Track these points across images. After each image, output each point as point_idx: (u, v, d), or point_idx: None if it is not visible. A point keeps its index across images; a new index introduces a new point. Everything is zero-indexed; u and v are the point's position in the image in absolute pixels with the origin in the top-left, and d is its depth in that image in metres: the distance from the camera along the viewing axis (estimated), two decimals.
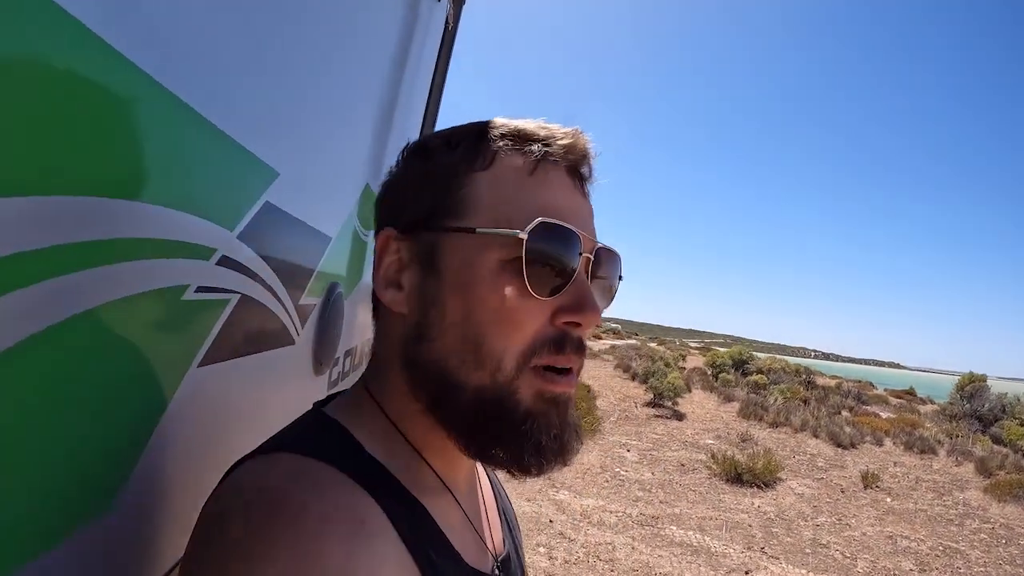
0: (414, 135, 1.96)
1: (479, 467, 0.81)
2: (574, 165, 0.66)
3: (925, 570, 6.58)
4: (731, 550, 6.21)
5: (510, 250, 0.58)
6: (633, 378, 16.34)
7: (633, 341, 52.44)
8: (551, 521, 6.33)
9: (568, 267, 0.60)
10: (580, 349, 0.62)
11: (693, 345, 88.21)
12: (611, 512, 6.86)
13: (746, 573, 5.70)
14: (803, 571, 5.95)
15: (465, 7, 2.29)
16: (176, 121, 0.54)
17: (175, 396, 0.61)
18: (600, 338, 49.50)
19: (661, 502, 7.47)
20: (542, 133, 0.64)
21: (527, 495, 7.05)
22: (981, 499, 9.29)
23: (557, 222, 0.59)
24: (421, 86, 2.01)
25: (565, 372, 0.61)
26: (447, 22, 2.16)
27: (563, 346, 0.60)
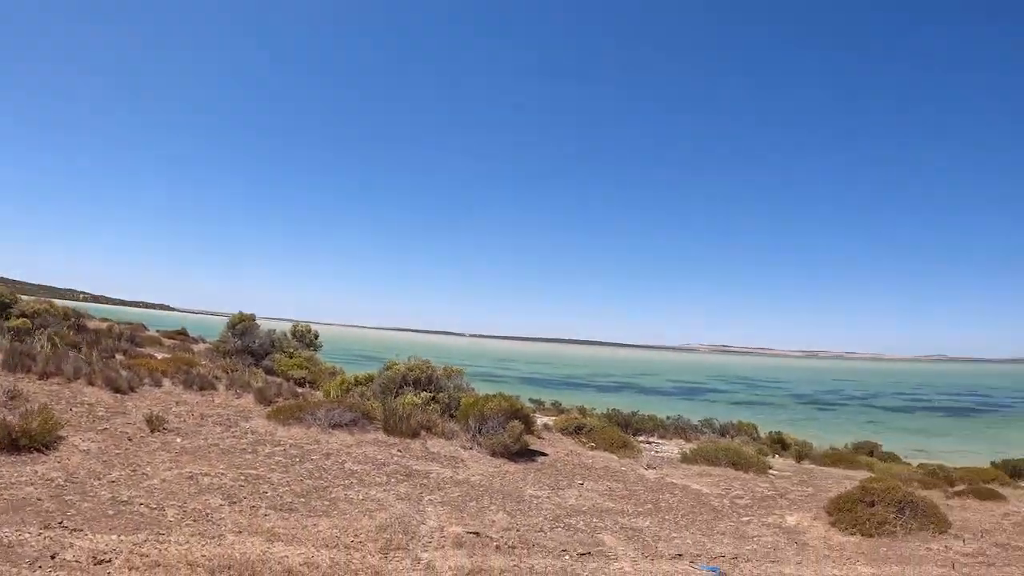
0: None
1: None
2: None
3: (234, 501, 7.14)
4: (27, 535, 5.53)
5: None
6: None
7: None
8: None
9: None
10: None
11: None
12: None
13: (52, 557, 5.23)
14: (113, 536, 5.80)
15: None
16: None
17: None
18: None
19: None
20: None
21: None
22: (267, 426, 10.51)
23: None
24: None
25: None
26: None
27: None
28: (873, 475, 14.83)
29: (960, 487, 13.84)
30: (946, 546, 8.22)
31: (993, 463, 24.01)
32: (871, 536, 8.30)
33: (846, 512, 8.83)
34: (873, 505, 8.82)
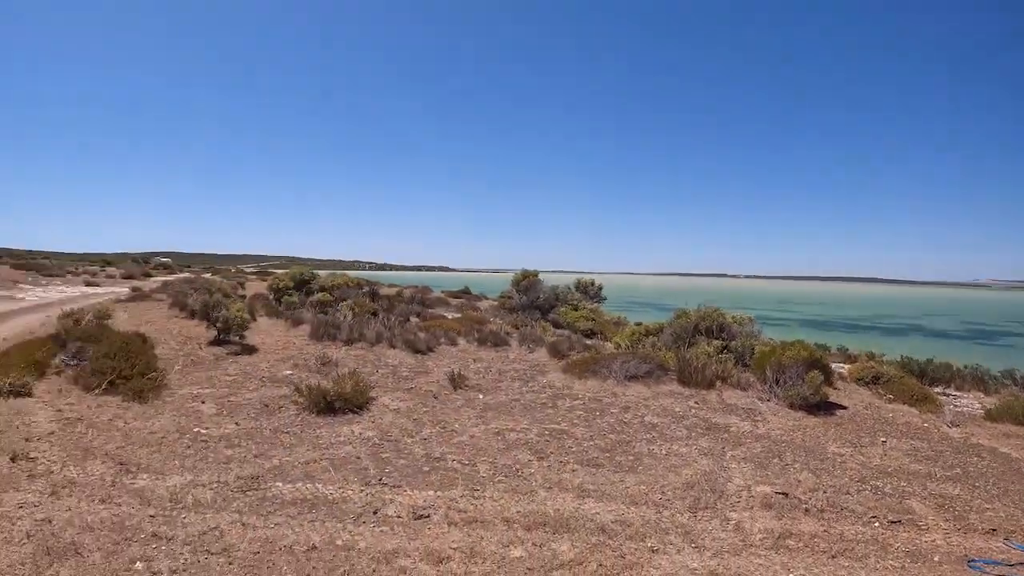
0: None
1: None
2: None
3: (542, 456, 6.96)
4: (349, 491, 5.62)
5: None
6: (192, 315, 14.27)
7: (186, 274, 47.59)
8: (138, 522, 4.82)
9: None
10: None
11: (249, 271, 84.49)
12: (205, 486, 5.58)
13: (375, 513, 5.20)
14: (429, 492, 5.71)
15: None
16: None
17: None
18: (149, 276, 43.16)
19: (256, 457, 6.43)
20: None
21: (95, 491, 5.34)
22: (563, 379, 10.38)
23: None
24: None
25: None
26: None
27: None
28: None
29: None
30: None
31: None
32: None
33: None
34: None
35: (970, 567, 5.28)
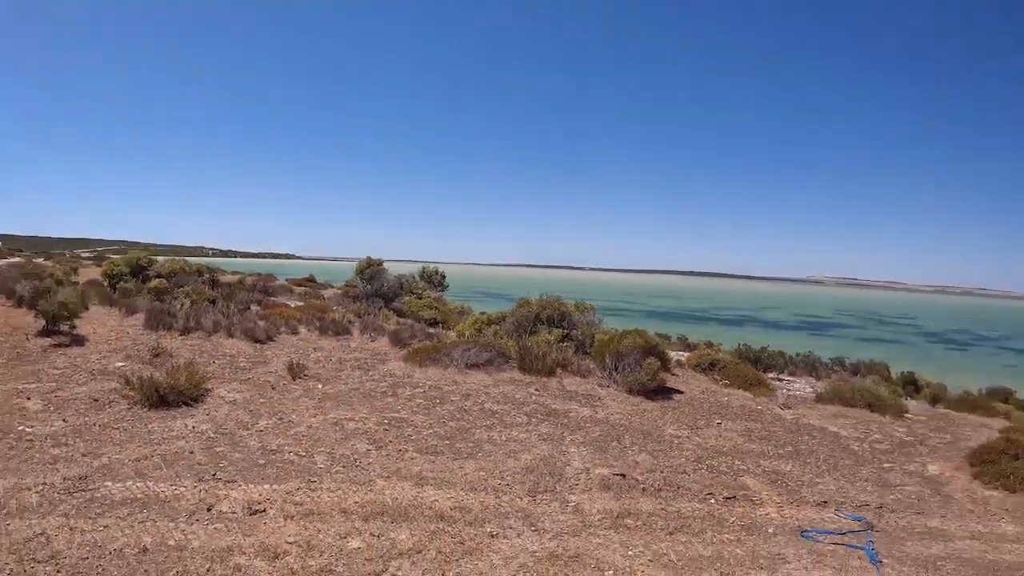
0: None
1: None
2: None
3: (380, 446, 7.14)
4: (182, 488, 5.59)
5: None
6: (20, 303, 13.11)
7: (16, 259, 42.72)
8: None
9: None
10: None
11: (86, 256, 76.77)
12: (30, 489, 5.35)
13: (208, 509, 5.24)
14: (266, 486, 5.80)
15: None
16: None
17: None
18: None
19: (85, 455, 6.20)
20: None
21: None
22: (404, 368, 10.53)
23: None
24: None
25: None
26: None
27: None
28: (1012, 424, 13.51)
29: None
30: None
31: None
32: (1014, 491, 7.65)
33: (990, 464, 8.22)
34: (1018, 458, 8.17)
35: (803, 537, 5.79)
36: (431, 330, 14.46)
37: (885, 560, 5.51)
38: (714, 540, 5.53)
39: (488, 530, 5.29)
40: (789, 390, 13.47)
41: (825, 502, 6.76)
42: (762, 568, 5.09)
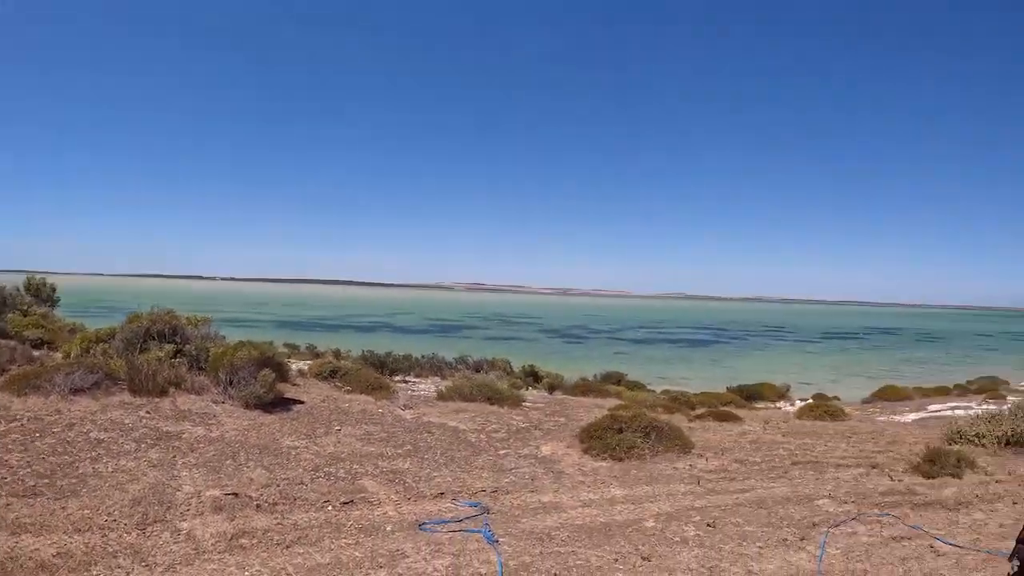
0: None
1: None
2: None
3: None
4: None
5: None
6: None
7: None
8: None
9: None
10: None
11: None
12: None
13: None
14: None
15: None
16: None
17: None
18: None
19: None
20: None
21: None
22: (2, 399, 8.97)
23: None
24: None
25: None
26: None
27: None
28: (622, 403, 15.81)
29: (701, 411, 15.63)
30: (691, 464, 9.14)
31: (728, 388, 27.81)
32: (621, 460, 8.87)
33: (597, 439, 9.31)
34: (622, 431, 9.43)
35: (421, 530, 5.96)
36: (36, 352, 12.40)
37: (502, 539, 5.88)
38: (332, 547, 5.58)
39: (94, 573, 4.87)
40: (414, 391, 14.04)
41: (442, 494, 7.04)
42: (381, 567, 5.28)
